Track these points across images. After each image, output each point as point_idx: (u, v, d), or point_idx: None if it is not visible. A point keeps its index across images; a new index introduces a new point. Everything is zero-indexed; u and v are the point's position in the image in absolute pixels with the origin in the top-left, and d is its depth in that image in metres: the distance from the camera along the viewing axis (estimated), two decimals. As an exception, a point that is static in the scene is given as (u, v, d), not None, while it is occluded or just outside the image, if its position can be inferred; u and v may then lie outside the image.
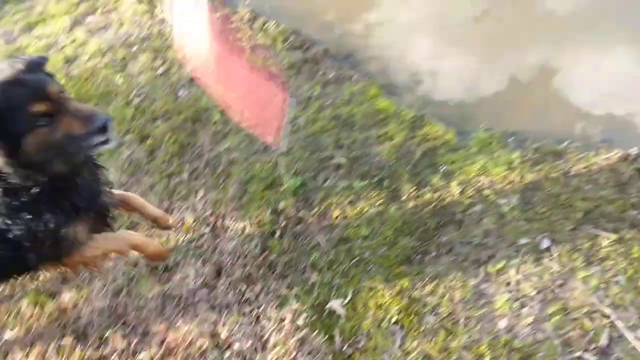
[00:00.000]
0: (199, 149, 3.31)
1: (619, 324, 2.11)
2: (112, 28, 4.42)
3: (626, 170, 2.67)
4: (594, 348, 2.08)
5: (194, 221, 2.90)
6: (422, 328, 2.28)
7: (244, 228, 2.81)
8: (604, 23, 3.82)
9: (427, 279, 2.42)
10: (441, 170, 2.88)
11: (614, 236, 2.39)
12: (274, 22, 4.13)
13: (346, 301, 2.42)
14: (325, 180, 2.95)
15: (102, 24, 4.49)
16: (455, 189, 2.77)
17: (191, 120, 3.50)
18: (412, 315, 2.32)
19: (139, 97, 3.76)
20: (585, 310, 2.18)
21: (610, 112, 3.19)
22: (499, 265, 2.41)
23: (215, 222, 2.87)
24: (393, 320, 2.31)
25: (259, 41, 3.97)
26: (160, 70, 3.93)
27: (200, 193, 3.03)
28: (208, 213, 2.92)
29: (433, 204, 2.71)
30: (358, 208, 2.78)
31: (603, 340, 2.09)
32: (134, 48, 4.16)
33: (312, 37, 4.01)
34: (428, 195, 2.77)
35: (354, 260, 2.56)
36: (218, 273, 2.67)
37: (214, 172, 3.14)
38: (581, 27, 3.87)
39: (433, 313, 2.31)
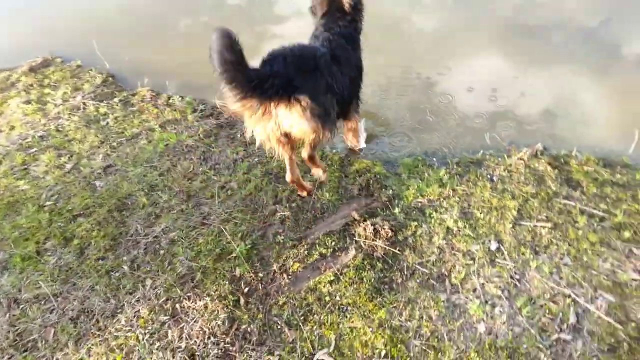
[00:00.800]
0: (133, 237, 3.15)
1: (580, 300, 2.34)
2: (2, 134, 4.11)
3: (539, 164, 3.01)
4: (567, 327, 2.28)
5: (150, 312, 2.72)
6: (411, 354, 2.33)
7: (205, 305, 2.70)
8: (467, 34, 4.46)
9: (401, 305, 2.50)
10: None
11: (549, 224, 2.66)
12: (178, 95, 4.13)
13: (332, 348, 2.42)
14: (275, 236, 2.96)
15: (-10, 131, 4.16)
16: (400, 215, 2.92)
17: (116, 209, 3.34)
18: (399, 344, 2.37)
19: (51, 198, 3.51)
20: (547, 295, 2.39)
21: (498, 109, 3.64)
22: (461, 275, 2.56)
23: (174, 308, 2.73)
24: (382, 354, 2.34)
25: (168, 117, 3.94)
26: (69, 166, 3.72)
27: (148, 282, 2.87)
28: (163, 300, 2.77)
29: (385, 234, 2.82)
30: (315, 255, 2.81)
31: (572, 318, 2.30)
32: (33, 150, 3.91)
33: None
34: (378, 227, 2.88)
35: (326, 307, 2.57)
36: (193, 359, 2.52)
37: (156, 257, 3.01)
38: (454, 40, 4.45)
39: (417, 336, 2.39)
